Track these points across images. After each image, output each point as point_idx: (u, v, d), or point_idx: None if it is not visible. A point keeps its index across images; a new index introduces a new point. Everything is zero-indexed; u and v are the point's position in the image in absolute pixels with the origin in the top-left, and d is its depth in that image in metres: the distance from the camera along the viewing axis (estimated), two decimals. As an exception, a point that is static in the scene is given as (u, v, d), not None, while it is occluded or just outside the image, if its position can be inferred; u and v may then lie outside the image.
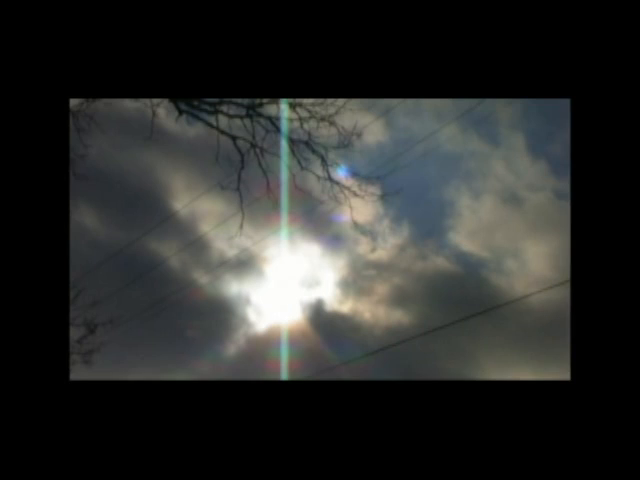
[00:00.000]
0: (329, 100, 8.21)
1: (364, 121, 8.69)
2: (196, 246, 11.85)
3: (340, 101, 8.22)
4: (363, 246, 16.31)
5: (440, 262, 16.56)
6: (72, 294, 9.80)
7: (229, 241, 9.52)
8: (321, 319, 15.90)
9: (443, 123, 9.22)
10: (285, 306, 13.50)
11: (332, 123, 8.37)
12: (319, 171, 8.72)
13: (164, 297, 11.74)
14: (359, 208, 9.08)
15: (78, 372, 10.39)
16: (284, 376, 9.98)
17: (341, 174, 8.83)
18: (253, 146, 8.52)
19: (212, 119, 8.33)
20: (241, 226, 8.99)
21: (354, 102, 8.23)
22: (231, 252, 11.53)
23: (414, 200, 15.47)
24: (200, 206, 11.64)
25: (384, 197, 8.77)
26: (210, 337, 15.13)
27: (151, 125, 8.31)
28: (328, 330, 15.41)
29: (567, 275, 4.22)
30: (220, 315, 15.35)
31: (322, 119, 8.36)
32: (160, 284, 12.59)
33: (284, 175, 8.85)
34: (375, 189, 8.73)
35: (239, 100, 8.23)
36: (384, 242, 16.66)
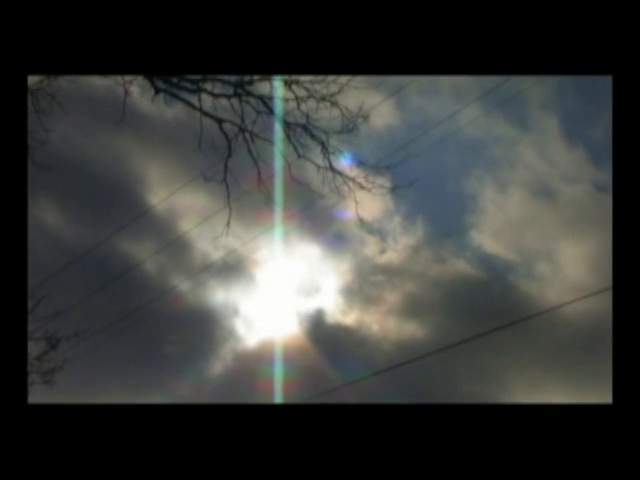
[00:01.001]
0: (330, 77, 8.17)
1: (371, 101, 8.68)
2: (176, 247, 11.87)
3: (343, 78, 8.19)
4: (370, 247, 16.39)
5: (460, 266, 16.61)
6: (31, 303, 9.70)
7: (214, 241, 9.45)
8: (321, 332, 15.97)
9: (463, 104, 9.24)
10: (279, 317, 13.51)
11: (334, 104, 8.35)
12: (319, 160, 8.71)
13: (138, 307, 11.70)
14: (366, 203, 9.06)
15: (37, 394, 10.41)
16: (278, 399, 10.00)
17: (345, 163, 8.81)
18: (242, 130, 8.50)
19: (194, 99, 8.33)
20: (228, 224, 8.96)
21: (359, 79, 8.18)
22: (216, 254, 11.53)
23: (430, 193, 15.49)
24: (180, 200, 11.63)
25: (395, 190, 8.74)
26: (192, 353, 15.16)
27: (123, 106, 8.29)
28: (329, 345, 15.52)
29: (608, 281, 4.18)
30: (204, 328, 15.40)
31: (322, 99, 8.34)
32: (134, 292, 12.62)
33: (278, 164, 8.82)
34: (384, 180, 8.71)
35: (226, 77, 8.22)
36: (395, 243, 16.73)
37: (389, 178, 8.81)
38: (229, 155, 8.64)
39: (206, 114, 8.40)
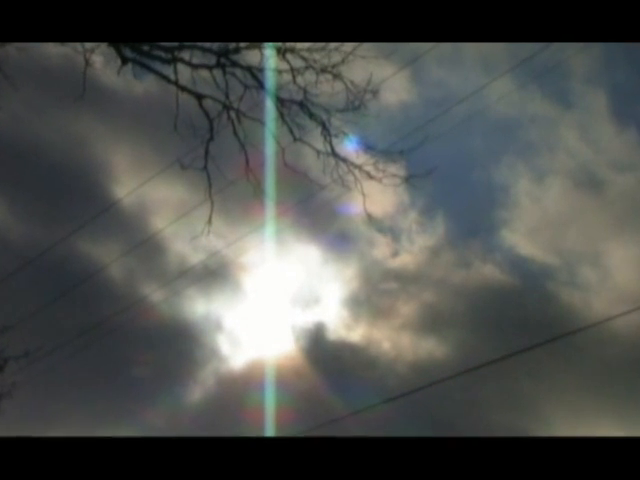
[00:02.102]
0: (332, 44, 8.15)
1: (382, 74, 8.66)
2: (147, 249, 11.84)
3: (348, 46, 8.16)
4: (381, 249, 16.35)
5: (488, 271, 16.58)
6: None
7: (193, 242, 9.38)
8: (322, 352, 15.92)
9: (492, 76, 9.22)
10: (271, 333, 13.47)
11: (337, 76, 8.34)
12: (319, 144, 8.70)
13: (101, 321, 11.69)
14: (375, 195, 9.06)
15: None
16: (269, 431, 10.01)
17: (350, 148, 8.81)
18: (226, 108, 8.50)
19: (169, 71, 8.33)
20: (209, 221, 8.95)
21: (367, 47, 8.16)
22: (196, 257, 11.50)
23: (452, 184, 15.38)
24: (152, 193, 11.67)
25: (410, 180, 8.74)
26: (166, 376, 15.11)
27: (83, 79, 8.30)
28: (331, 367, 15.49)
29: (666, 290, 4.16)
30: (180, 346, 15.34)
31: (323, 71, 8.33)
32: (96, 302, 12.63)
33: (270, 149, 8.83)
34: (397, 168, 8.70)
35: (207, 45, 8.21)
36: (410, 243, 16.72)
37: (403, 165, 8.82)
38: (211, 138, 8.65)
39: (183, 89, 8.41)
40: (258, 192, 8.88)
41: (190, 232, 9.61)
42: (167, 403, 14.47)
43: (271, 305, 13.14)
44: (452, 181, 15.30)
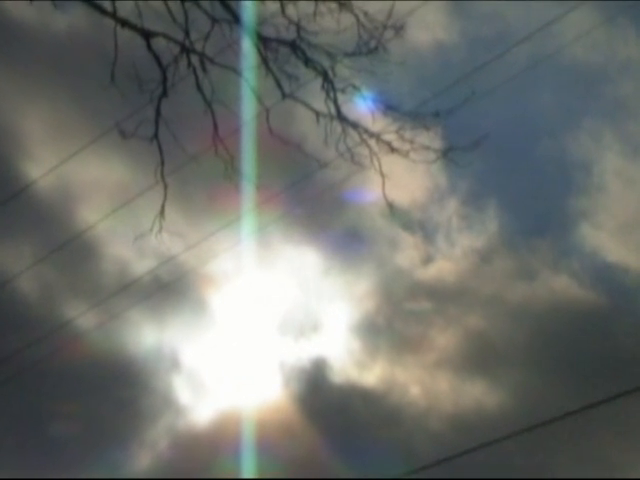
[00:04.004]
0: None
1: (409, 2, 8.68)
2: (72, 253, 11.93)
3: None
4: (407, 253, 16.36)
5: (561, 285, 16.57)
6: None
7: (137, 243, 9.49)
8: (323, 400, 16.03)
9: (566, 6, 9.15)
10: (251, 374, 13.53)
11: (344, 5, 8.36)
12: (319, 103, 8.75)
13: (8, 356, 11.79)
14: (399, 177, 9.11)
15: None
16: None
17: (363, 108, 8.84)
18: (186, 51, 8.50)
19: (103, -2, 8.37)
20: (161, 213, 9.02)
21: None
22: (142, 265, 11.54)
23: (509, 161, 15.47)
24: (79, 173, 11.66)
25: (449, 154, 8.78)
26: (101, 435, 15.18)
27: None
28: (337, 422, 15.55)
29: None
30: (121, 391, 15.42)
31: (324, -3, 8.42)
32: (0, 330, 12.61)
33: (249, 110, 8.90)
34: (431, 138, 8.74)
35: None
36: (448, 245, 16.70)
37: (439, 134, 8.83)
38: (164, 94, 8.65)
39: (124, 23, 8.39)
40: (232, 172, 8.90)
41: (134, 229, 9.62)
42: (101, 473, 14.46)
43: (250, 334, 13.14)
44: (509, 156, 15.27)
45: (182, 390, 15.69)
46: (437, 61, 11.12)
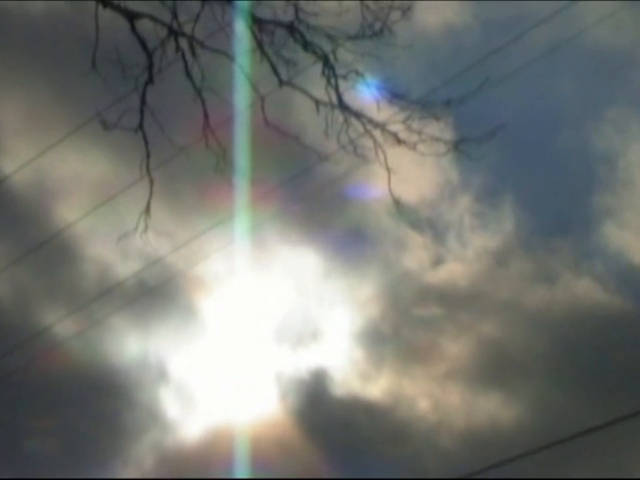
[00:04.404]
0: None
1: (417, -20, 8.74)
2: (49, 254, 11.94)
3: None
4: (416, 254, 16.37)
5: (584, 289, 16.57)
6: None
7: (121, 243, 9.50)
8: (323, 415, 16.06)
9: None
10: (245, 386, 13.54)
11: (347, -16, 8.41)
12: (319, 90, 8.75)
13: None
14: (407, 171, 9.11)
15: None
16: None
17: (367, 96, 8.86)
18: (174, 34, 8.51)
19: (83, -25, 8.37)
20: (147, 210, 9.04)
21: None
22: (126, 268, 11.55)
23: (526, 153, 15.50)
24: (57, 166, 11.66)
25: (461, 146, 8.79)
26: (81, 452, 15.20)
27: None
28: (338, 438, 15.57)
29: None
30: (102, 405, 15.43)
31: (325, -25, 8.43)
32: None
33: (242, 99, 8.93)
34: (442, 129, 8.74)
35: None
36: (461, 245, 16.71)
37: (450, 124, 8.85)
38: (149, 81, 8.66)
39: (107, 4, 8.40)
40: (224, 165, 8.91)
41: (117, 228, 9.64)
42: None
43: (244, 342, 13.16)
44: (526, 149, 15.29)
45: (169, 403, 15.73)
46: (448, 45, 11.14)
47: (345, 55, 8.63)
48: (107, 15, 8.46)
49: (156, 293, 11.90)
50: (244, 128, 8.98)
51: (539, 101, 14.59)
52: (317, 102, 8.76)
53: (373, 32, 8.49)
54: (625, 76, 15.41)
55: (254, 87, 8.78)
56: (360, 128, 8.78)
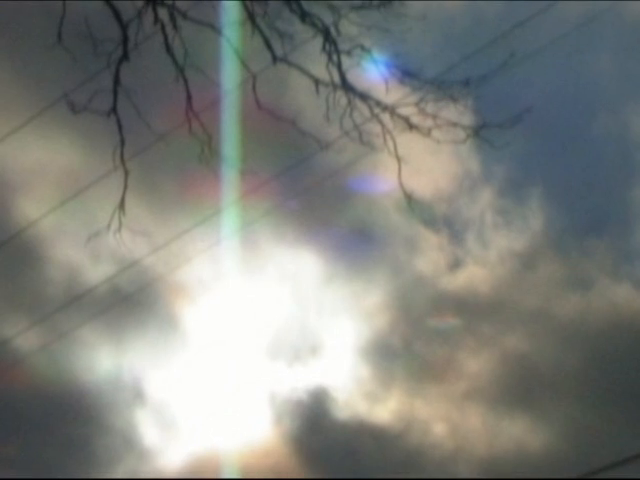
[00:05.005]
0: None
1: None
2: (9, 257, 11.98)
3: None
4: (430, 256, 16.40)
5: (623, 295, 16.51)
6: None
7: (91, 245, 9.51)
8: (323, 440, 16.09)
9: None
10: (234, 408, 13.56)
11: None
12: (319, 68, 8.80)
13: None
14: (420, 160, 9.11)
15: None
16: None
17: (374, 75, 8.87)
18: (152, 3, 8.52)
19: None
20: (121, 205, 9.08)
21: None
22: (97, 272, 11.56)
23: (557, 140, 15.54)
24: (18, 156, 11.66)
25: (483, 132, 8.83)
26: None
27: None
28: (341, 468, 15.51)
29: None
30: (70, 429, 15.46)
31: None
32: None
33: (231, 78, 8.96)
34: (460, 112, 8.78)
35: None
36: (482, 246, 16.74)
37: (470, 107, 8.88)
38: (124, 57, 8.67)
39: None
40: (209, 154, 8.94)
41: (87, 226, 9.67)
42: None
43: (233, 358, 13.19)
44: (557, 135, 15.30)
45: (147, 428, 15.75)
46: (467, 16, 11.14)
47: (349, 28, 8.67)
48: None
49: (132, 301, 11.91)
50: (233, 111, 9.00)
51: (571, 80, 14.60)
52: (317, 82, 8.80)
53: (381, 1, 8.52)
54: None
55: (244, 64, 8.81)
56: (366, 112, 8.83)
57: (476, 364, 16.50)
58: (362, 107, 8.80)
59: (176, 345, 14.47)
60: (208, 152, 8.90)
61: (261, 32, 8.64)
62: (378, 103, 8.79)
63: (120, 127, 8.86)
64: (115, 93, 8.75)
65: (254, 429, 14.80)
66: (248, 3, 8.56)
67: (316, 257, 15.17)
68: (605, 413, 15.76)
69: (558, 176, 16.15)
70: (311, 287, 15.50)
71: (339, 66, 8.74)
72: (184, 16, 8.61)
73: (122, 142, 8.91)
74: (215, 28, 8.68)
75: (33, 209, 11.75)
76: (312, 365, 16.11)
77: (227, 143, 9.01)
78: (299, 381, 15.93)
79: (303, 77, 8.83)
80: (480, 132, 8.83)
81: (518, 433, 16.17)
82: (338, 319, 16.16)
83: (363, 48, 8.72)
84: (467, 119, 8.80)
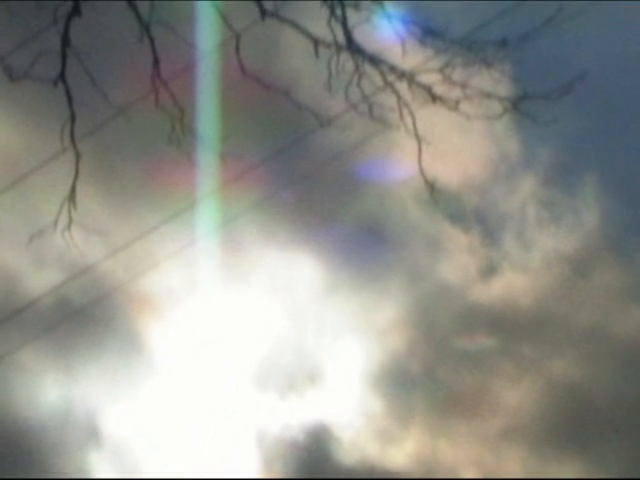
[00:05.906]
0: None
1: None
2: None
3: None
4: (457, 259, 16.46)
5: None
6: None
7: (34, 245, 9.53)
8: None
9: None
10: (213, 449, 13.60)
11: None
12: (318, 25, 8.83)
13: None
14: (443, 141, 9.12)
15: None
16: None
17: (386, 35, 8.89)
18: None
19: None
20: (72, 197, 9.10)
21: None
22: (41, 280, 11.59)
23: (615, 115, 15.53)
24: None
25: (520, 106, 8.89)
26: None
27: None
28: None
29: None
30: (9, 474, 15.46)
31: None
32: None
33: (208, 38, 9.03)
34: (494, 80, 8.81)
35: None
36: (522, 248, 16.81)
37: (507, 74, 8.88)
38: (74, 12, 8.68)
39: None
40: (181, 133, 8.94)
41: (29, 222, 9.68)
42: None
43: (212, 388, 13.25)
44: (615, 109, 15.37)
45: (104, 473, 15.81)
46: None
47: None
48: None
49: (84, 316, 11.97)
50: (211, 79, 9.02)
51: (631, 41, 14.64)
52: (316, 42, 8.80)
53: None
54: None
55: (225, 21, 8.81)
56: (378, 79, 8.84)
57: (515, 395, 16.62)
58: (373, 74, 8.81)
59: (140, 371, 14.51)
60: (180, 130, 8.90)
61: (245, -21, 8.70)
62: (393, 69, 8.80)
63: (70, 98, 8.86)
64: (64, 56, 8.75)
65: (239, 474, 14.83)
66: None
67: (315, 261, 15.24)
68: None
69: (617, 160, 16.24)
70: (309, 299, 15.56)
71: (344, 23, 8.74)
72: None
73: (72, 117, 8.91)
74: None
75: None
76: (310, 397, 16.21)
77: (203, 119, 9.02)
78: (294, 416, 16.03)
79: (299, 36, 8.83)
80: (520, 105, 8.85)
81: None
82: (342, 339, 16.27)
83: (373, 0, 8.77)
84: (503, 89, 8.82)
